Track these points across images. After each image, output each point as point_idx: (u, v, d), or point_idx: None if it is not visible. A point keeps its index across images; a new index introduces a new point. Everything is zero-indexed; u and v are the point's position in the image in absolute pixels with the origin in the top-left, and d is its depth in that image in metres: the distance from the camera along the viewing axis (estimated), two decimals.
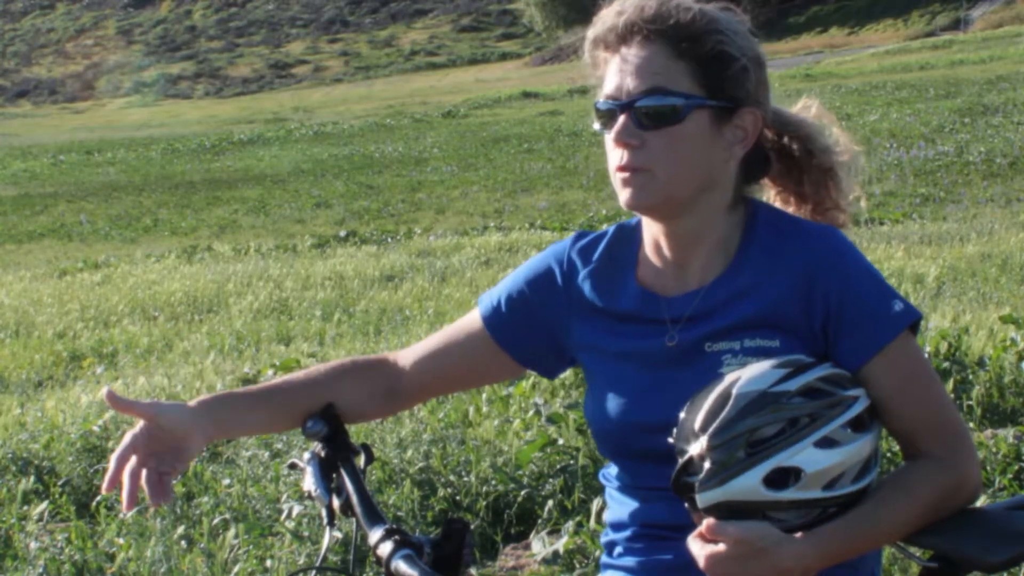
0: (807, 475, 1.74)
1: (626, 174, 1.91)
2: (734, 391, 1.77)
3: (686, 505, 1.80)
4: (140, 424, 1.90)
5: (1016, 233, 11.79)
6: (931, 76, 34.40)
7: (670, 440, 1.82)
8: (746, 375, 1.79)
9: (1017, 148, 19.58)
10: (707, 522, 1.76)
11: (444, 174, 25.08)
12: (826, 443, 1.76)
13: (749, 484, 1.74)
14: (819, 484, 1.76)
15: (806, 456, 1.75)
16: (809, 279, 1.90)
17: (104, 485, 1.87)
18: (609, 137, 1.93)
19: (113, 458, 1.87)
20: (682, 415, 1.81)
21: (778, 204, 2.10)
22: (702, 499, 1.76)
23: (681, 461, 1.78)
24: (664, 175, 1.90)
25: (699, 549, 1.77)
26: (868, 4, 63.28)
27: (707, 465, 1.75)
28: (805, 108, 2.08)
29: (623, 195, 1.93)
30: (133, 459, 1.87)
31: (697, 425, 1.77)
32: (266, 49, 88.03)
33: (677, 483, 1.79)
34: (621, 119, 1.90)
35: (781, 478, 1.75)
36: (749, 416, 1.75)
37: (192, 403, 1.97)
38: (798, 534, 1.77)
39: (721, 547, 1.75)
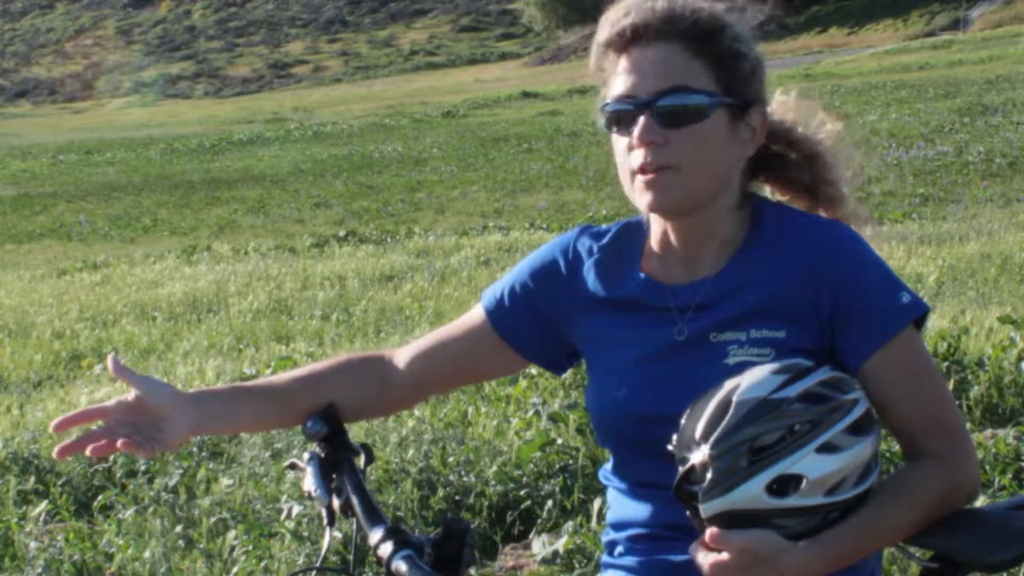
0: (809, 482, 1.74)
1: (649, 176, 1.89)
2: (734, 398, 1.76)
3: (688, 512, 1.80)
4: (131, 394, 1.93)
5: (1016, 233, 11.79)
6: (930, 76, 34.42)
7: (671, 448, 1.81)
8: (746, 382, 1.78)
9: (1016, 148, 19.59)
10: (710, 531, 1.76)
11: (444, 174, 25.07)
12: (827, 449, 1.75)
13: (752, 493, 1.74)
14: (821, 490, 1.75)
15: (808, 463, 1.74)
16: (817, 270, 1.90)
17: (53, 424, 1.87)
18: (623, 139, 1.92)
19: (83, 408, 1.90)
20: (682, 421, 1.80)
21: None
22: (705, 509, 1.75)
23: (683, 470, 1.77)
24: (690, 172, 1.89)
25: (703, 558, 1.77)
26: (867, 4, 63.30)
27: (709, 475, 1.74)
28: (781, 105, 2.07)
29: (646, 197, 1.90)
30: (99, 423, 1.89)
31: (698, 433, 1.77)
32: (266, 49, 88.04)
33: (679, 490, 1.78)
34: (642, 119, 1.88)
35: (783, 486, 1.74)
36: (750, 424, 1.74)
37: (186, 391, 1.99)
38: (801, 542, 1.77)
39: (725, 556, 1.75)
